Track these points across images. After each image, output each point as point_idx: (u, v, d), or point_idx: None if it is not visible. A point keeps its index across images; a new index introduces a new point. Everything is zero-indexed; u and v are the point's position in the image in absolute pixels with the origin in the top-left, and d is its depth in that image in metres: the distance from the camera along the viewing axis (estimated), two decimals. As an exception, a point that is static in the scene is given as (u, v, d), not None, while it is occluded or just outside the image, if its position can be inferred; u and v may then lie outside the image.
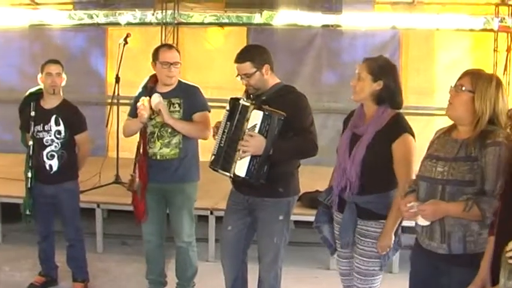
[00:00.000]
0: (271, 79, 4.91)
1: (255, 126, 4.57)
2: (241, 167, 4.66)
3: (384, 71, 4.37)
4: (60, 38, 11.82)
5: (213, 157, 4.92)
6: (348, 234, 4.46)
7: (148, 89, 5.62)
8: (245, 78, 4.83)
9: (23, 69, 11.85)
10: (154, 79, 5.70)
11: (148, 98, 5.46)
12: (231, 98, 4.90)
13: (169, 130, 5.55)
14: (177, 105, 5.57)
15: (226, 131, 4.83)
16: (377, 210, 4.32)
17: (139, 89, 5.74)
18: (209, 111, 5.68)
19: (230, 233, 5.12)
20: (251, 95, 4.92)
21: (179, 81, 5.72)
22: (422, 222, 3.80)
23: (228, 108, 4.87)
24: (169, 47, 5.79)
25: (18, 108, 6.54)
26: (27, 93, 6.55)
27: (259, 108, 4.58)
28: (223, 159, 4.83)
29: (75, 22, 11.93)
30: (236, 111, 4.77)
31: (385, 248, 4.33)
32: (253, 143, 4.56)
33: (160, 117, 5.48)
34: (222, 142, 4.84)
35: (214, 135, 5.01)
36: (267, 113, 4.55)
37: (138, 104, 5.48)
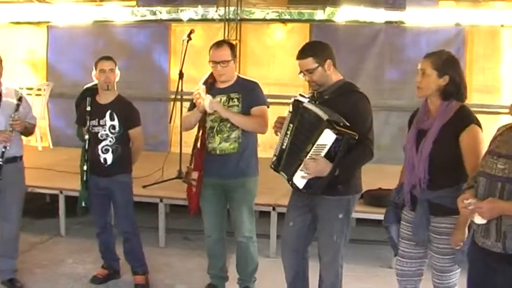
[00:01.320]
0: (334, 75, 4.87)
1: (323, 146, 4.51)
2: (299, 179, 4.67)
3: (449, 65, 4.32)
4: (124, 34, 11.96)
5: (275, 157, 4.93)
6: (422, 232, 4.42)
7: (208, 85, 5.65)
8: (307, 74, 4.81)
9: (86, 65, 11.89)
10: (214, 75, 5.73)
11: (203, 87, 5.52)
12: (295, 100, 4.87)
13: (229, 125, 5.57)
14: (236, 100, 5.59)
15: (289, 133, 4.82)
16: (449, 205, 4.24)
17: (201, 83, 5.77)
18: (268, 107, 5.67)
19: (291, 229, 5.12)
20: (314, 93, 4.90)
21: (238, 77, 5.75)
22: (479, 220, 3.75)
23: (291, 109, 4.85)
24: (219, 45, 5.70)
25: (75, 103, 6.62)
26: (84, 88, 6.63)
27: (332, 129, 4.45)
28: (284, 162, 4.85)
29: (138, 18, 12.03)
30: (299, 116, 4.76)
31: (458, 242, 4.25)
32: (318, 168, 4.55)
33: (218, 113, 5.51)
34: (284, 144, 4.84)
35: (276, 132, 5.00)
36: (339, 137, 4.45)
37: (194, 93, 5.53)
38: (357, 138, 4.50)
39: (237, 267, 6.01)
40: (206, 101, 5.40)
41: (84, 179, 6.18)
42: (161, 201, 7.65)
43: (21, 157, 6.22)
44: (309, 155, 4.55)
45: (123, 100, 6.26)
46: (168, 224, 7.80)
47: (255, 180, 5.85)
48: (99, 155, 6.11)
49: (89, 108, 6.13)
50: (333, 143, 4.47)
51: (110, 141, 6.10)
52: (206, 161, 5.66)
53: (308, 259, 5.24)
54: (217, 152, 5.64)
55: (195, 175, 5.73)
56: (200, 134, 5.70)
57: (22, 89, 6.12)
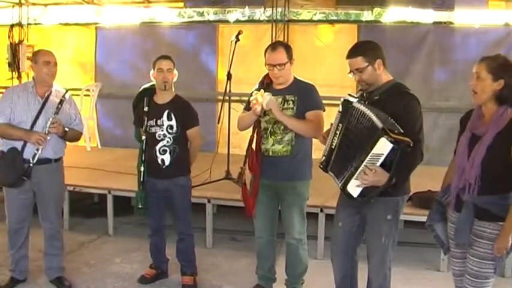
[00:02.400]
0: (384, 75, 4.82)
1: (379, 156, 4.44)
2: (354, 187, 4.61)
3: (504, 69, 4.24)
4: (171, 35, 12.06)
5: (324, 157, 4.89)
6: (463, 235, 4.36)
7: (265, 86, 5.63)
8: (357, 73, 4.77)
9: (135, 66, 12.12)
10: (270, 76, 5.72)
11: (262, 91, 5.49)
12: (345, 100, 4.83)
13: (282, 127, 5.55)
14: (291, 102, 5.56)
15: (338, 133, 4.76)
16: (496, 212, 4.19)
17: (256, 85, 5.76)
18: (324, 111, 5.62)
19: (340, 230, 5.08)
20: (364, 94, 4.86)
21: (295, 79, 5.70)
22: None
23: (340, 108, 4.81)
24: (274, 47, 5.67)
25: (132, 104, 6.65)
26: (141, 88, 6.65)
27: (388, 137, 4.36)
28: (333, 163, 4.80)
29: (185, 20, 12.08)
30: (348, 115, 4.70)
31: (501, 250, 4.21)
32: (374, 179, 4.50)
33: (272, 113, 5.49)
34: (333, 144, 4.79)
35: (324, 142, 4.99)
36: (396, 146, 4.37)
37: (251, 97, 5.51)
38: (411, 145, 4.42)
39: (286, 268, 5.98)
40: (266, 98, 5.39)
41: (141, 180, 6.20)
42: (209, 201, 7.65)
43: (57, 159, 6.19)
44: (364, 164, 4.48)
45: (180, 100, 6.25)
46: (215, 225, 7.80)
47: (307, 184, 5.81)
48: (156, 156, 6.12)
49: (146, 109, 6.15)
50: (389, 152, 4.41)
51: (168, 141, 6.10)
52: (260, 162, 5.66)
53: (357, 261, 5.19)
54: (270, 153, 5.63)
55: (248, 176, 5.74)
56: (255, 135, 5.70)
57: (67, 90, 6.09)
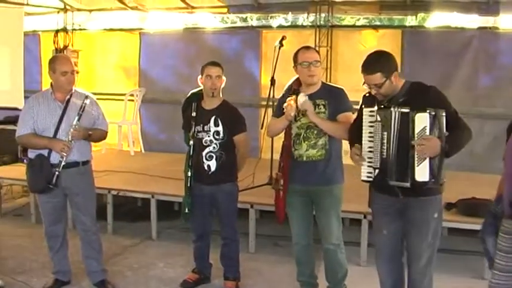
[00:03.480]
0: (398, 82, 4.81)
1: (424, 129, 4.51)
2: (422, 172, 4.60)
3: None
4: (215, 40, 12.13)
5: (377, 171, 4.84)
6: None
7: (293, 91, 5.64)
8: (375, 88, 4.75)
9: (178, 71, 12.22)
10: (298, 82, 5.72)
11: (295, 96, 5.49)
12: (378, 109, 4.79)
13: (315, 131, 5.56)
14: (322, 107, 5.57)
15: (385, 142, 4.75)
16: None
17: (283, 91, 5.78)
18: (353, 113, 5.59)
19: (386, 237, 5.04)
20: (382, 102, 4.83)
21: (323, 83, 5.73)
22: None
23: (378, 118, 4.77)
24: (307, 48, 5.76)
25: (181, 108, 6.68)
26: (189, 93, 6.66)
27: (421, 110, 4.50)
28: (396, 171, 4.75)
29: (228, 25, 12.12)
30: (392, 120, 4.69)
31: None
32: (430, 145, 4.50)
33: (306, 118, 5.52)
34: (384, 154, 4.76)
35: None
36: (433, 113, 4.49)
37: (285, 104, 5.51)
38: (444, 114, 4.50)
39: (326, 274, 5.96)
40: (301, 98, 5.40)
41: (188, 185, 6.23)
42: (252, 207, 7.66)
43: (84, 162, 6.22)
44: (416, 144, 4.54)
45: (228, 106, 6.27)
46: (258, 230, 7.81)
47: (342, 187, 5.81)
48: (203, 162, 6.15)
49: (194, 114, 6.17)
50: (430, 122, 4.50)
51: (214, 147, 6.13)
52: (293, 168, 5.66)
53: (404, 263, 5.13)
54: (304, 158, 5.63)
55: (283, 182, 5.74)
56: (286, 141, 5.70)
57: (87, 96, 6.11)
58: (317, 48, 8.98)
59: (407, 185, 4.67)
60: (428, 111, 4.50)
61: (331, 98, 5.59)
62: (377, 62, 4.82)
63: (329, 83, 5.77)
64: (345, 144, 5.74)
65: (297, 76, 5.72)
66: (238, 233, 6.45)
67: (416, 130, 4.53)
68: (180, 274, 6.84)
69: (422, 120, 4.51)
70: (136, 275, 6.96)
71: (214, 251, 6.57)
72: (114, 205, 8.51)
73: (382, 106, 4.78)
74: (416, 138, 4.53)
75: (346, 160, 5.71)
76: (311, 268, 6.06)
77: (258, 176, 8.16)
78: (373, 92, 4.81)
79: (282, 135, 5.80)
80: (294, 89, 5.67)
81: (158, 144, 12.47)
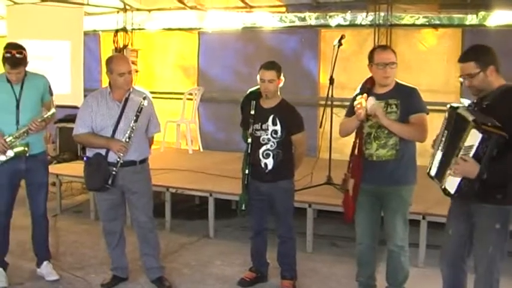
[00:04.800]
0: (496, 81, 4.65)
1: (471, 147, 4.34)
2: (451, 184, 4.51)
3: None
4: (273, 40, 12.12)
5: (431, 164, 4.80)
6: None
7: (366, 90, 5.56)
8: (468, 78, 4.65)
9: (236, 70, 12.24)
10: (371, 81, 5.64)
11: (366, 96, 5.43)
12: (450, 106, 4.73)
13: (386, 131, 5.47)
14: (394, 106, 5.48)
15: (443, 139, 4.70)
16: None
17: (357, 90, 5.71)
18: (427, 113, 5.52)
19: (449, 238, 4.95)
20: (475, 100, 4.73)
21: (396, 83, 5.61)
22: None
23: (446, 115, 4.72)
24: (384, 47, 5.72)
25: (240, 106, 6.69)
26: (248, 91, 6.67)
27: (478, 128, 4.29)
28: (437, 169, 4.71)
29: (287, 24, 12.10)
30: (453, 121, 4.62)
31: None
32: (465, 168, 4.37)
33: (376, 118, 5.44)
34: (439, 151, 4.71)
35: (433, 145, 4.90)
36: (485, 136, 4.26)
37: (356, 102, 5.46)
38: (507, 138, 4.26)
39: (386, 276, 5.89)
40: (370, 102, 5.35)
41: (245, 182, 6.24)
42: (310, 206, 7.60)
43: (141, 161, 6.28)
44: (458, 156, 4.41)
45: (286, 105, 6.25)
46: (315, 230, 7.76)
47: (412, 189, 5.71)
48: (260, 160, 6.15)
49: (253, 112, 6.18)
50: (479, 143, 4.29)
51: (271, 145, 6.12)
52: (363, 167, 5.59)
53: (467, 271, 5.01)
54: (374, 158, 5.56)
55: (352, 182, 5.69)
56: (357, 140, 5.65)
57: (145, 97, 6.13)
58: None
59: (440, 186, 4.61)
60: (483, 130, 4.26)
61: (404, 97, 5.50)
62: (473, 51, 4.73)
63: (403, 83, 5.64)
64: (419, 146, 5.69)
65: (370, 75, 5.67)
66: (294, 231, 6.43)
67: (466, 144, 4.38)
68: (237, 272, 6.84)
69: (473, 138, 4.33)
70: (193, 273, 6.98)
71: (271, 249, 6.56)
72: (172, 203, 8.57)
73: (461, 104, 4.71)
74: (461, 153, 4.40)
75: (420, 161, 5.68)
76: (372, 269, 5.97)
77: (316, 175, 8.13)
78: (466, 83, 4.69)
79: (353, 134, 5.73)
80: (368, 88, 5.60)
81: (216, 142, 12.51)
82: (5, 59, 6.08)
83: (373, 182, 5.56)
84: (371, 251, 5.84)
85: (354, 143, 5.65)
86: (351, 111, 5.64)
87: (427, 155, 4.97)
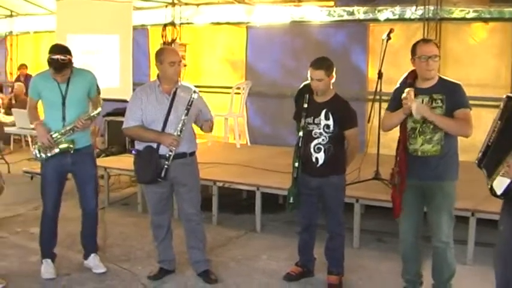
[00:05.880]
0: None
1: None
2: (499, 184, 4.42)
3: None
4: (321, 34, 12.10)
5: (480, 153, 4.72)
6: None
7: (408, 84, 5.52)
8: None
9: (284, 64, 12.25)
10: (413, 74, 5.59)
11: (413, 89, 5.39)
12: (507, 96, 4.63)
13: (432, 126, 5.42)
14: (439, 101, 5.42)
15: (496, 130, 4.60)
16: None
17: (398, 84, 5.68)
18: (470, 109, 5.45)
19: (501, 234, 4.85)
20: None
21: (440, 78, 5.56)
22: None
23: (501, 106, 4.63)
24: (427, 41, 5.67)
25: (294, 98, 6.71)
26: (302, 85, 6.66)
27: None
28: (487, 160, 4.60)
29: (335, 18, 12.04)
30: (507, 113, 4.52)
31: None
32: None
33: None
34: (490, 141, 4.63)
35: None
36: None
37: (403, 95, 5.40)
38: None
39: (432, 272, 5.82)
40: (414, 105, 5.29)
41: (294, 175, 6.22)
42: (357, 201, 7.58)
43: (191, 153, 6.34)
44: (508, 160, 4.32)
45: (339, 100, 6.24)
46: (362, 225, 7.72)
47: (455, 184, 5.64)
48: (311, 154, 6.13)
49: (305, 106, 6.16)
50: None
51: (323, 140, 6.09)
52: (408, 163, 5.55)
53: None
54: (419, 153, 5.51)
55: (397, 178, 5.66)
56: (401, 135, 5.61)
57: (195, 91, 6.16)
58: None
59: (487, 182, 4.50)
60: None
61: (449, 93, 5.45)
62: None
63: (446, 78, 5.59)
64: (466, 141, 5.62)
65: (412, 69, 5.63)
66: (344, 227, 6.41)
67: None
68: (283, 267, 6.83)
69: None
70: (239, 267, 7.01)
71: (318, 245, 6.54)
72: (219, 197, 8.60)
73: None
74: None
75: (462, 156, 5.62)
76: (417, 266, 5.92)
77: (363, 170, 8.07)
78: None
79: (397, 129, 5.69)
80: (409, 82, 5.56)
81: (263, 137, 12.54)
82: (49, 63, 6.17)
83: (417, 177, 5.52)
84: (414, 247, 5.79)
85: (399, 137, 5.62)
86: (393, 105, 5.62)
87: (473, 150, 4.90)
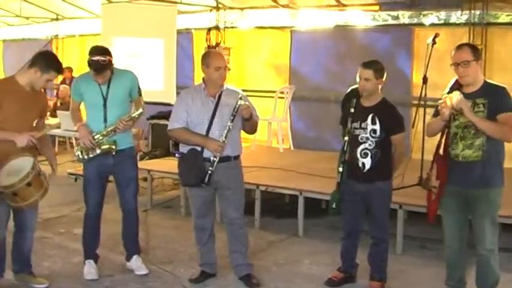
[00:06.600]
0: None
1: None
2: None
3: None
4: (365, 38, 12.04)
5: None
6: None
7: (454, 90, 5.47)
8: None
9: (328, 69, 12.22)
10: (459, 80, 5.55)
11: (450, 95, 5.34)
12: None
13: (473, 131, 5.38)
14: (481, 106, 5.36)
15: None
16: None
17: (446, 90, 5.62)
18: None
19: None
20: None
21: (485, 82, 5.51)
22: None
23: None
24: (459, 47, 5.55)
25: (341, 103, 6.71)
26: (349, 89, 6.64)
27: None
28: None
29: (379, 23, 11.98)
30: None
31: None
32: None
33: (464, 117, 5.34)
34: None
35: None
36: None
37: (440, 101, 5.38)
38: None
39: (476, 280, 5.76)
40: (455, 97, 5.26)
41: (338, 180, 6.21)
42: (400, 207, 7.53)
43: (236, 156, 6.35)
44: None
45: (387, 104, 6.22)
46: (405, 231, 7.67)
47: (500, 191, 5.57)
48: (357, 159, 6.11)
49: (352, 110, 6.15)
50: None
51: (370, 144, 6.07)
52: (450, 168, 5.50)
53: None
54: (460, 159, 5.46)
55: (434, 182, 5.60)
56: (442, 140, 5.56)
57: (241, 97, 6.15)
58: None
59: None
60: None
61: (492, 97, 5.38)
62: None
63: (491, 81, 5.53)
64: (506, 146, 5.56)
65: None
66: (388, 233, 6.38)
67: None
68: (325, 272, 6.81)
69: None
70: (281, 271, 7.01)
71: (361, 250, 6.52)
72: (262, 201, 8.61)
73: None
74: None
75: (506, 163, 5.55)
76: (461, 273, 5.86)
77: (407, 176, 8.00)
78: None
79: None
80: (456, 88, 5.49)
81: (307, 141, 12.50)
82: (89, 64, 6.24)
83: (459, 183, 5.47)
84: (460, 254, 5.74)
85: (439, 142, 5.57)
86: (437, 112, 5.57)
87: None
